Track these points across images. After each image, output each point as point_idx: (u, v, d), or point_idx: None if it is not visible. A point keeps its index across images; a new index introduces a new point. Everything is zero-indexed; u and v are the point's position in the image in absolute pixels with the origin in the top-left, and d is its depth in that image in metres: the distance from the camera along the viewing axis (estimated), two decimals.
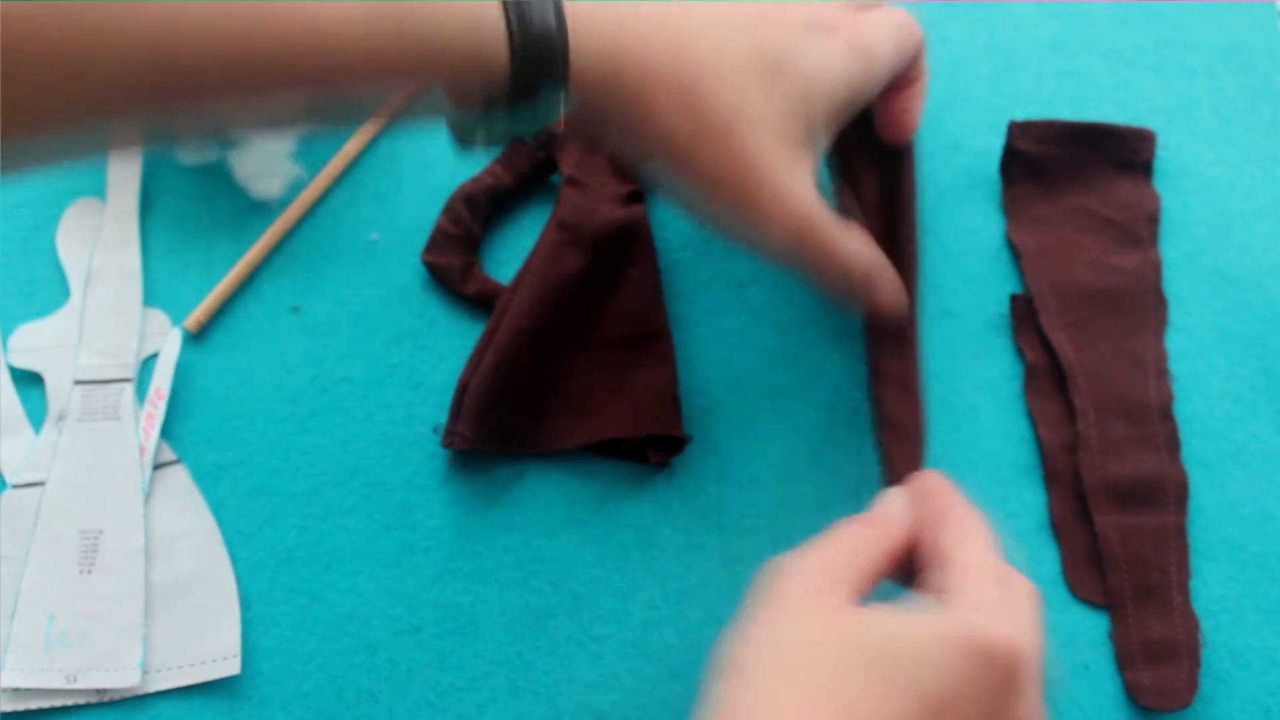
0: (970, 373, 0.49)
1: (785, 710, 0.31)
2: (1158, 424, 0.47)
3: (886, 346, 0.45)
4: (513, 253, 0.51)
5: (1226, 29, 0.57)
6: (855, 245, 0.41)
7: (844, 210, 0.43)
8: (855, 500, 0.46)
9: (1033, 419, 0.48)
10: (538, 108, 0.36)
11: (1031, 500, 0.46)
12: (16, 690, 0.42)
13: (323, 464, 0.47)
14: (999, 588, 0.34)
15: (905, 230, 0.46)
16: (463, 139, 0.38)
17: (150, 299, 0.50)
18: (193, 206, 0.52)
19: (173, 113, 0.33)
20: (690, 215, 0.45)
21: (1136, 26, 0.57)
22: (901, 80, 0.44)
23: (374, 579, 0.45)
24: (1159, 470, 0.46)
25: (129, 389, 0.47)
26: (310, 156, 0.52)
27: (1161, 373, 0.48)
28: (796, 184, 0.39)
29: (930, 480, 0.39)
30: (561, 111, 0.37)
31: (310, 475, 0.46)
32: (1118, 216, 0.51)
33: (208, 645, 0.43)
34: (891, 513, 0.39)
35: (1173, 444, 0.47)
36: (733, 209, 0.39)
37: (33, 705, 0.42)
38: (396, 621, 0.44)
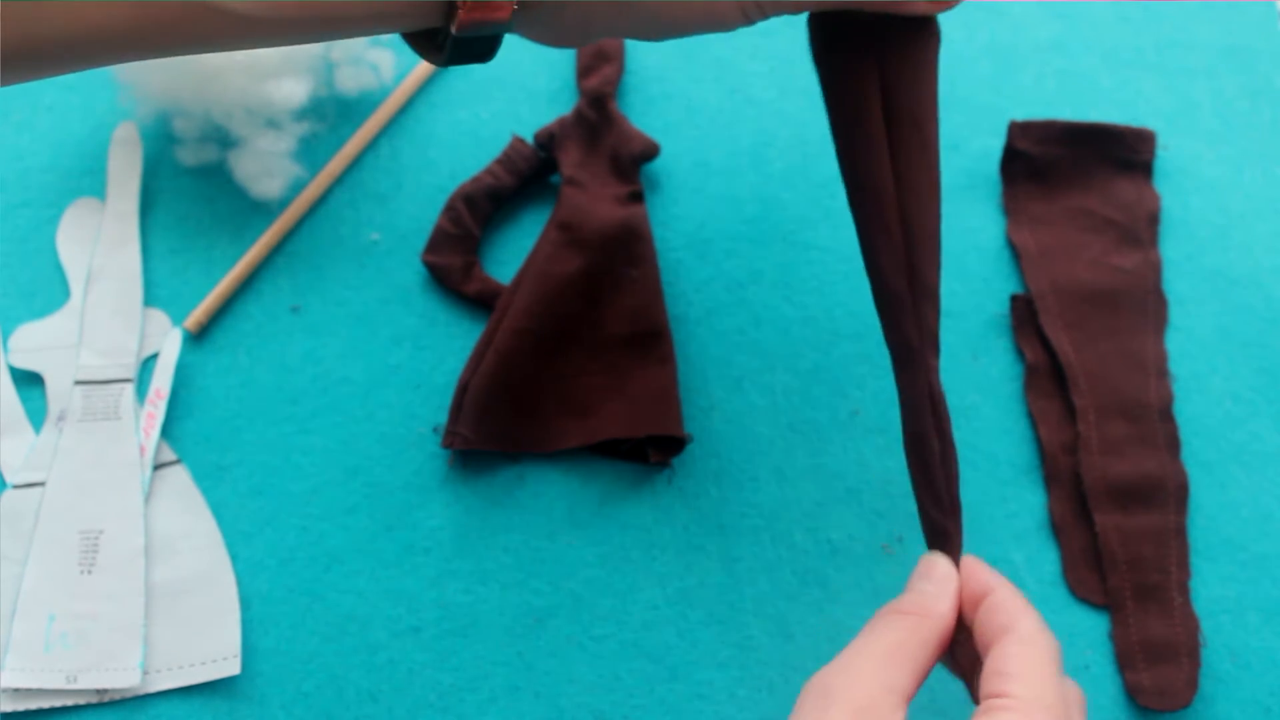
0: (970, 373, 0.49)
1: None
2: (1158, 424, 0.47)
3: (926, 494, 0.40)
4: (513, 253, 0.51)
5: (1226, 29, 0.57)
6: None
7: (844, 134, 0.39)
8: (856, 500, 0.46)
9: (1033, 419, 0.48)
10: None
11: (1031, 500, 0.46)
12: (17, 690, 0.42)
13: (323, 464, 0.47)
14: None
15: (923, 170, 0.39)
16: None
17: (150, 299, 0.50)
18: (193, 206, 0.52)
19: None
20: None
21: (1136, 26, 0.57)
22: None
23: (374, 579, 0.45)
24: (1159, 470, 0.46)
25: (129, 389, 0.47)
26: (310, 156, 0.52)
27: (1162, 373, 0.48)
28: None
29: (985, 576, 0.38)
30: None
31: (311, 475, 0.46)
32: (1118, 217, 0.51)
33: (208, 645, 0.43)
34: (939, 593, 0.37)
35: (1173, 444, 0.47)
36: None
37: (33, 705, 0.42)
38: (397, 622, 0.44)
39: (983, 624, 0.37)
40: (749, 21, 0.38)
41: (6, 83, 0.33)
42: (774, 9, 0.37)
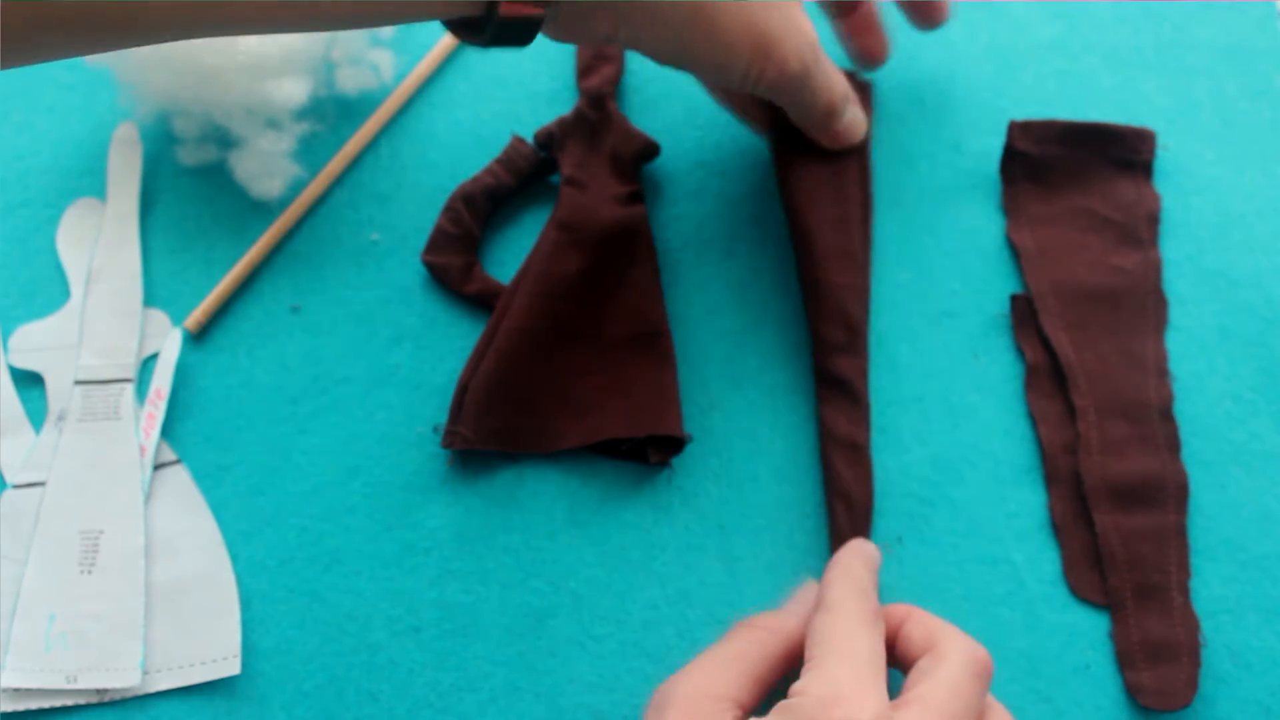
0: (970, 373, 0.49)
1: None
2: (1158, 424, 0.47)
3: (837, 404, 0.46)
4: (513, 253, 0.51)
5: (1227, 29, 0.57)
6: (838, 75, 0.46)
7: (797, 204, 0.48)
8: None
9: (1033, 419, 0.48)
10: None
11: (1031, 500, 0.46)
12: (17, 690, 0.42)
13: (323, 464, 0.47)
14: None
15: (856, 239, 0.48)
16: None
17: (150, 299, 0.50)
18: (193, 206, 0.52)
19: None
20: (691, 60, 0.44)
21: (1136, 26, 0.57)
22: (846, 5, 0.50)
23: (374, 579, 0.45)
24: (1159, 470, 0.46)
25: (129, 389, 0.47)
26: (310, 156, 0.52)
27: (1162, 373, 0.48)
28: (804, 17, 0.44)
29: (844, 561, 0.40)
30: None
31: (311, 475, 0.46)
32: (1118, 216, 0.51)
33: (208, 645, 0.43)
34: (790, 608, 0.40)
35: (1173, 444, 0.47)
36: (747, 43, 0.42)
37: (33, 705, 0.42)
38: (397, 622, 0.44)
39: (906, 639, 0.38)
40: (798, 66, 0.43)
41: None
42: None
